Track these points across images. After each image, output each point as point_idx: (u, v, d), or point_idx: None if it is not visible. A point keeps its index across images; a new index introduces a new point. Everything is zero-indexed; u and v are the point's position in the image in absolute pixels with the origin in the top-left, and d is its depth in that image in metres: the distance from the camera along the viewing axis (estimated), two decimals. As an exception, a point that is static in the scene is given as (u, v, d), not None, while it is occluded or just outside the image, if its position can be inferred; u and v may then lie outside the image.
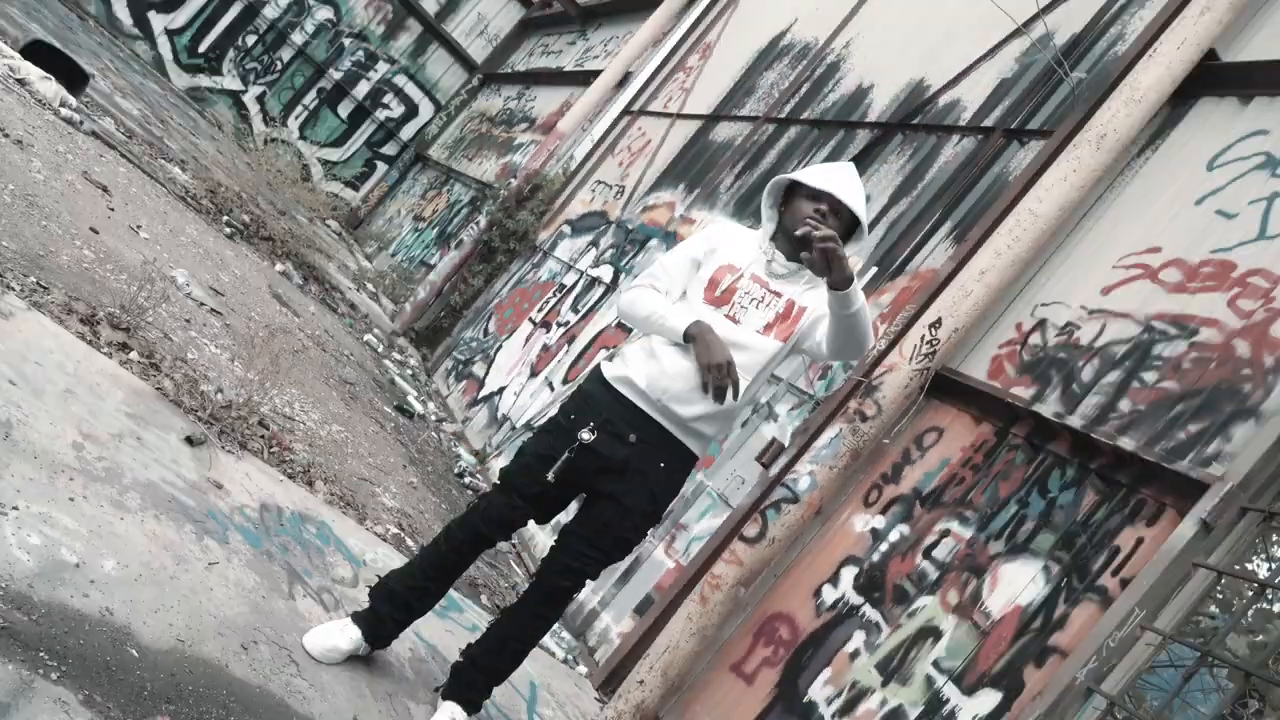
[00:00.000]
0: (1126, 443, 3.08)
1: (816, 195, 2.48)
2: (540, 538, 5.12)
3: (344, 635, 2.58)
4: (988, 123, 4.68)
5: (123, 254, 4.37)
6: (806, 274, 2.53)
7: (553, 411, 2.83)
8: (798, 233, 2.33)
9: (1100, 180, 3.72)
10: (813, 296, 2.54)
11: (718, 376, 2.39)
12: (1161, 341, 3.24)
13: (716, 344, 2.41)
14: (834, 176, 2.50)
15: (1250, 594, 2.73)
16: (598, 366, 2.65)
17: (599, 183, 8.44)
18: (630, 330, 2.76)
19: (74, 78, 6.58)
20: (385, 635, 2.65)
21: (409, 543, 3.88)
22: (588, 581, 2.66)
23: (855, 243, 2.56)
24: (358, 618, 2.62)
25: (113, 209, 4.95)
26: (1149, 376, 3.20)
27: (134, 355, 3.34)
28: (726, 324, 2.50)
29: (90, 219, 4.46)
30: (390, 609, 2.62)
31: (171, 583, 2.32)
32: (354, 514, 3.67)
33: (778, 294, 2.54)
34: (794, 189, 2.56)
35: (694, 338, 2.44)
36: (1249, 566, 3.37)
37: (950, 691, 3.01)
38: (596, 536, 2.58)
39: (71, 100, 6.06)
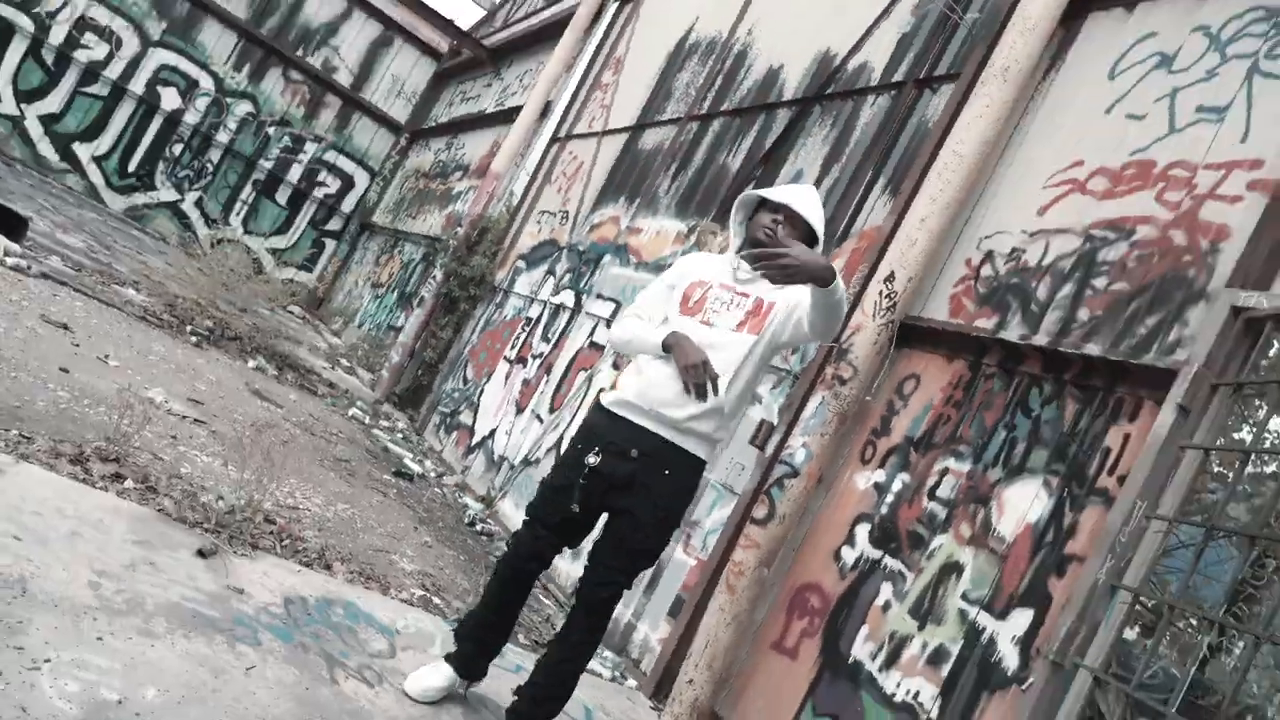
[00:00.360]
0: (1093, 349, 3.19)
1: (775, 208, 2.75)
2: (563, 567, 5.19)
3: (438, 674, 2.89)
4: (898, 78, 4.81)
5: (96, 386, 4.41)
6: None
7: (564, 445, 3.06)
8: (755, 265, 2.46)
9: (1014, 110, 3.85)
10: (780, 294, 2.74)
11: (695, 375, 2.60)
12: (1104, 247, 3.36)
13: (690, 347, 2.64)
14: (790, 191, 2.80)
15: (1237, 464, 2.83)
16: (598, 399, 2.87)
17: (543, 213, 8.53)
18: (604, 349, 2.94)
19: (13, 225, 6.62)
20: (475, 670, 2.95)
21: (436, 600, 3.94)
22: (624, 593, 2.82)
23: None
24: (449, 658, 2.94)
25: (77, 344, 4.99)
26: (1099, 283, 3.31)
27: (129, 483, 3.39)
28: (702, 328, 2.73)
29: (57, 359, 4.51)
30: (470, 645, 2.93)
31: (214, 696, 2.36)
32: (377, 586, 3.72)
33: (745, 294, 2.77)
34: (759, 206, 2.85)
35: (671, 347, 2.67)
36: (1236, 436, 3.49)
37: (984, 619, 3.10)
38: (618, 549, 2.76)
39: (15, 248, 6.10)
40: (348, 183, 15.63)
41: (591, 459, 2.71)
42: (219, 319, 7.60)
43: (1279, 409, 2.65)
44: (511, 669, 3.39)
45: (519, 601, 2.96)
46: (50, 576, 2.50)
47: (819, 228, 2.77)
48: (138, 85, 13.91)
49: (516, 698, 2.81)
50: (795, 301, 2.67)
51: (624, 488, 2.69)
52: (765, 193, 2.84)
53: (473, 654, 2.94)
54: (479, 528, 5.80)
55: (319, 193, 15.44)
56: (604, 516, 2.84)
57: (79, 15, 13.43)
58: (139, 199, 14.27)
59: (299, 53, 14.96)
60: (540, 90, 9.62)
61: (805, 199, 2.78)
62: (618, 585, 2.78)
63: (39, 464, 3.16)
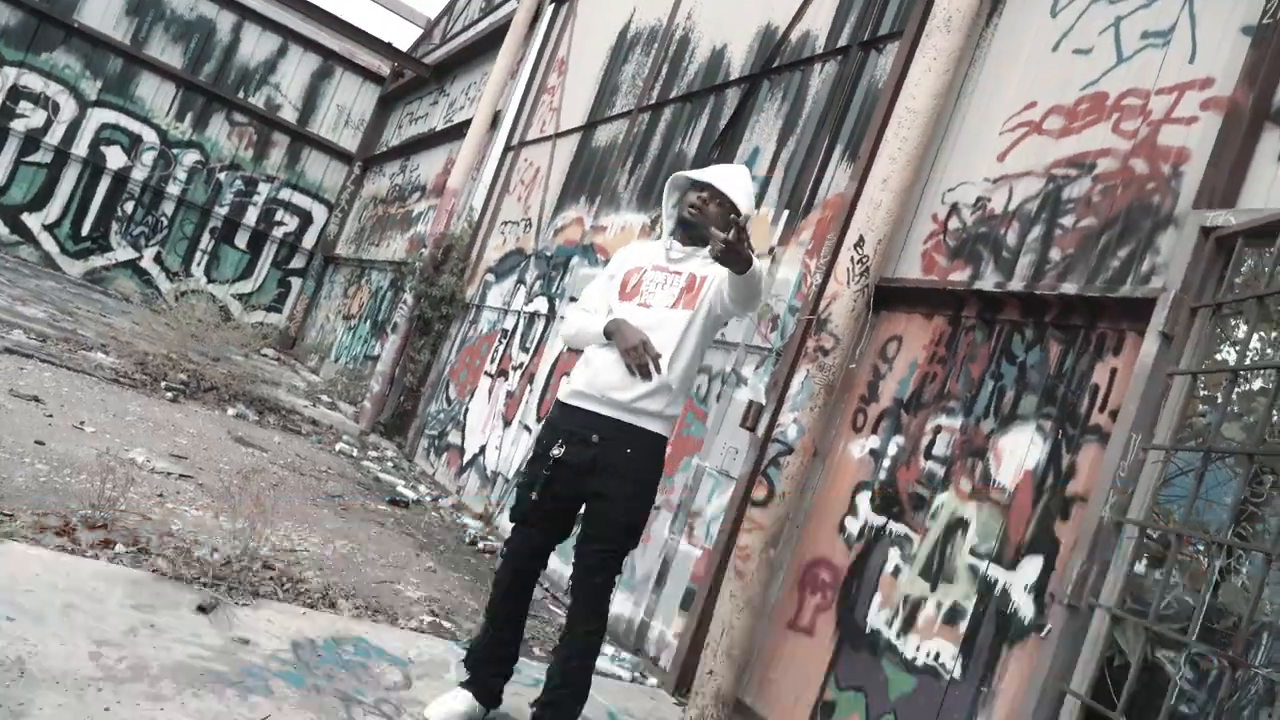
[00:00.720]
0: (1069, 288, 3.18)
1: (702, 188, 2.91)
2: (565, 572, 5.15)
3: (458, 700, 2.87)
4: (842, 42, 4.79)
5: (75, 454, 4.33)
6: (701, 252, 2.89)
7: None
8: (711, 250, 2.55)
9: (961, 60, 3.84)
10: (712, 268, 2.86)
11: (637, 356, 2.70)
12: (1067, 185, 3.35)
13: (629, 330, 2.76)
14: (715, 171, 2.96)
15: (1225, 384, 2.84)
16: (557, 397, 2.95)
17: (505, 223, 8.48)
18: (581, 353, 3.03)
19: (-33, 304, 6.49)
20: (493, 693, 2.93)
21: (446, 624, 3.89)
22: (616, 578, 2.86)
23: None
24: (465, 684, 2.92)
25: (50, 415, 4.90)
26: (1067, 221, 3.31)
27: (119, 547, 3.32)
28: (640, 311, 2.85)
29: (32, 433, 4.42)
30: (482, 668, 2.92)
31: (232, 748, 2.32)
32: (384, 618, 3.67)
33: (678, 273, 2.89)
34: (690, 187, 3.00)
35: (611, 333, 2.78)
36: (1219, 357, 3.49)
37: (996, 572, 3.09)
38: (598, 531, 2.81)
39: (-28, 327, 5.98)
40: (306, 219, 15.49)
41: (556, 451, 2.79)
42: (192, 371, 7.49)
43: (1259, 325, 2.65)
44: (529, 683, 3.35)
45: (523, 609, 2.99)
46: (48, 653, 2.44)
47: (743, 205, 2.91)
48: (80, 148, 13.71)
49: (535, 709, 2.78)
50: (725, 274, 2.76)
51: (590, 472, 2.77)
52: (691, 174, 3.00)
53: (487, 678, 2.93)
54: (480, 545, 5.75)
55: (278, 232, 15.30)
56: (584, 508, 2.88)
57: (10, 84, 13.21)
58: (96, 262, 14.08)
59: (240, 95, 14.81)
60: (487, 101, 9.55)
61: (728, 178, 2.93)
62: (607, 570, 2.81)
63: (24, 540, 3.09)
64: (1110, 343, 3.07)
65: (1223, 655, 2.35)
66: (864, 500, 3.67)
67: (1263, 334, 3.09)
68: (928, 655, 3.19)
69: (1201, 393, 3.39)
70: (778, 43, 5.30)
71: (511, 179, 8.76)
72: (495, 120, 9.42)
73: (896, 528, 3.49)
